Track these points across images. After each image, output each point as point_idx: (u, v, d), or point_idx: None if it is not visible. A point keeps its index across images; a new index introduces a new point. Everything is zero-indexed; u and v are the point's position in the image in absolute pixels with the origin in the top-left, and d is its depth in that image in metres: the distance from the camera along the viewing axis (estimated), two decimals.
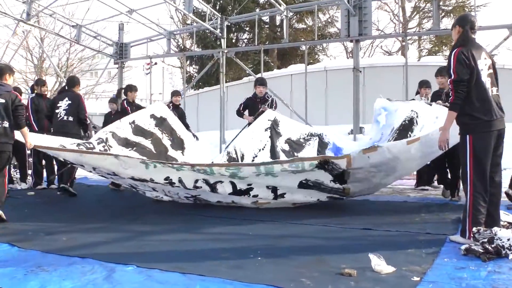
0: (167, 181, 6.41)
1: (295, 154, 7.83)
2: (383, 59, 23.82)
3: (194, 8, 17.35)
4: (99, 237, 5.15)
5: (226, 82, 16.14)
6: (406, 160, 6.11)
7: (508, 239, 4.09)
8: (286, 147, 7.93)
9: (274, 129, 8.00)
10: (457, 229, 5.13)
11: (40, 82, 9.87)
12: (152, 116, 8.37)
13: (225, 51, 15.15)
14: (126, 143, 7.77)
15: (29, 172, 9.85)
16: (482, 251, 4.05)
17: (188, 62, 24.15)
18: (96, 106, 19.01)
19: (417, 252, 4.29)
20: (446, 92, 7.00)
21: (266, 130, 7.99)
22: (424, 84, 8.24)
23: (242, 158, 7.70)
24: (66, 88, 9.02)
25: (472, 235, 4.35)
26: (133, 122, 8.08)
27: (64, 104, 8.54)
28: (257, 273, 3.78)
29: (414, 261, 4.02)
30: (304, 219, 5.98)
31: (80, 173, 9.33)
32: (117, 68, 17.63)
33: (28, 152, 9.55)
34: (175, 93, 10.94)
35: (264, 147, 7.85)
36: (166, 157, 7.97)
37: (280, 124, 8.16)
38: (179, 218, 6.27)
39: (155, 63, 26.33)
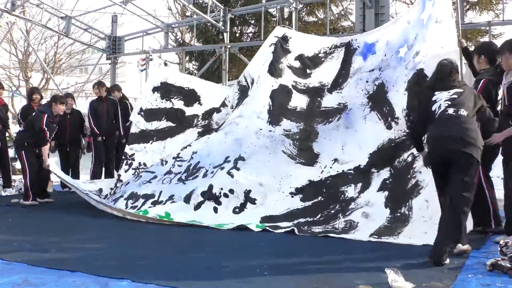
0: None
1: (308, 71, 7.65)
2: None
3: None
4: (91, 249, 5.19)
5: (228, 80, 16.18)
6: None
7: None
8: (297, 64, 7.73)
9: (280, 46, 7.84)
10: (483, 241, 5.15)
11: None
12: (154, 89, 9.03)
13: (228, 46, 15.20)
14: (144, 136, 8.65)
15: (14, 177, 9.91)
16: (510, 266, 4.07)
17: (187, 58, 24.16)
18: (87, 106, 19.03)
19: (439, 267, 4.31)
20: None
21: (270, 46, 7.92)
22: None
23: (252, 82, 7.81)
24: None
25: (499, 249, 4.36)
26: (141, 109, 8.90)
27: None
28: None
29: (435, 276, 4.03)
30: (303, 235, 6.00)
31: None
32: (109, 63, 17.68)
33: (11, 156, 9.64)
34: (116, 88, 10.75)
35: (264, 63, 7.77)
36: (187, 120, 8.67)
37: (291, 41, 7.95)
38: (177, 228, 6.30)
39: (151, 59, 26.36)
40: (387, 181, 6.28)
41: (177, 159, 7.70)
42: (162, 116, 8.81)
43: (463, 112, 4.67)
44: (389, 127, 6.55)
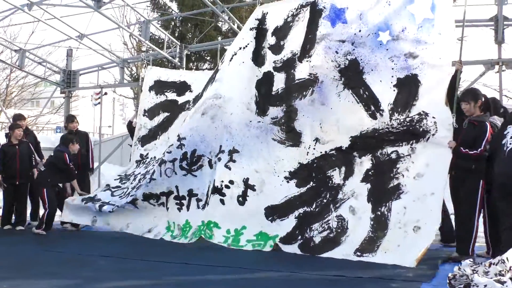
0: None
1: (281, 42, 7.55)
2: None
3: (151, 34, 17.49)
4: (44, 285, 5.11)
5: None
6: None
7: (485, 286, 4.27)
8: (273, 40, 7.64)
9: (260, 29, 7.77)
10: (434, 275, 5.31)
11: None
12: (150, 88, 9.53)
13: None
14: (153, 135, 9.16)
15: None
16: None
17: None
18: (39, 139, 18.72)
19: None
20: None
21: (251, 29, 7.89)
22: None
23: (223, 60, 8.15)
24: None
25: (448, 281, 4.53)
26: (144, 111, 9.40)
27: None
28: None
29: None
30: (272, 265, 6.08)
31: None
32: (63, 97, 17.45)
33: None
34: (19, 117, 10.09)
35: (246, 45, 7.80)
36: (180, 107, 9.10)
37: (268, 17, 7.78)
38: (136, 264, 6.26)
39: (105, 93, 26.07)
40: (370, 172, 6.63)
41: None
42: (159, 110, 9.27)
43: None
44: (373, 116, 6.73)
